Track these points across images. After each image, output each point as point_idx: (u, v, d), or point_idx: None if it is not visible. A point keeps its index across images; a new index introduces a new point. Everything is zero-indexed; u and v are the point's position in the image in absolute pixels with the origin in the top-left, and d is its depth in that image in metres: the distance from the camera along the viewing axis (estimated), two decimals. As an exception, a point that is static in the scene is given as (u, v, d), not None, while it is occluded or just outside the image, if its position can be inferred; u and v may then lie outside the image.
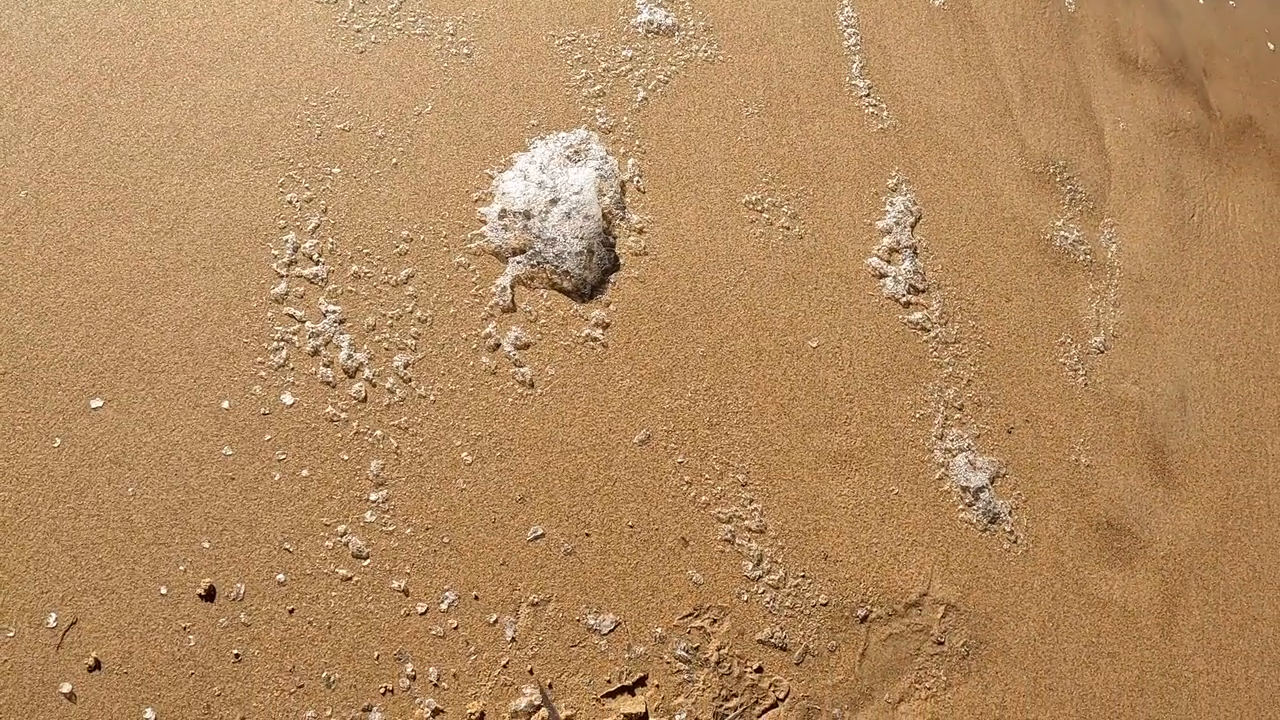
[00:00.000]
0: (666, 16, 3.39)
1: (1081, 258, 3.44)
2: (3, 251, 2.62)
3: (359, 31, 3.12)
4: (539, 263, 2.76)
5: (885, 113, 3.46)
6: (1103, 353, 3.25)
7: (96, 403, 2.48)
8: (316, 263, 2.72)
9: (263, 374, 2.55)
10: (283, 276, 2.68)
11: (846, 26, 3.63)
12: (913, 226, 3.24)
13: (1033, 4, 4.06)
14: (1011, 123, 3.66)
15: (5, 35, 2.97)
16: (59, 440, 2.41)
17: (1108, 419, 3.14)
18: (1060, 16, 4.10)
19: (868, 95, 3.48)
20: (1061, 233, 3.49)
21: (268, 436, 2.49)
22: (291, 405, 2.53)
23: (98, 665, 2.20)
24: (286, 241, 2.73)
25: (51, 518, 2.32)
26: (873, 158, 3.34)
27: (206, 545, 2.35)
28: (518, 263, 2.77)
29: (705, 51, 3.40)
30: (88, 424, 2.44)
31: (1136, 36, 4.13)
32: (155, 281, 2.63)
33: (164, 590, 2.29)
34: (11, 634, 2.18)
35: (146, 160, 2.80)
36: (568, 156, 2.93)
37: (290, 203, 2.79)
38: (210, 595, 2.33)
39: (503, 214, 2.78)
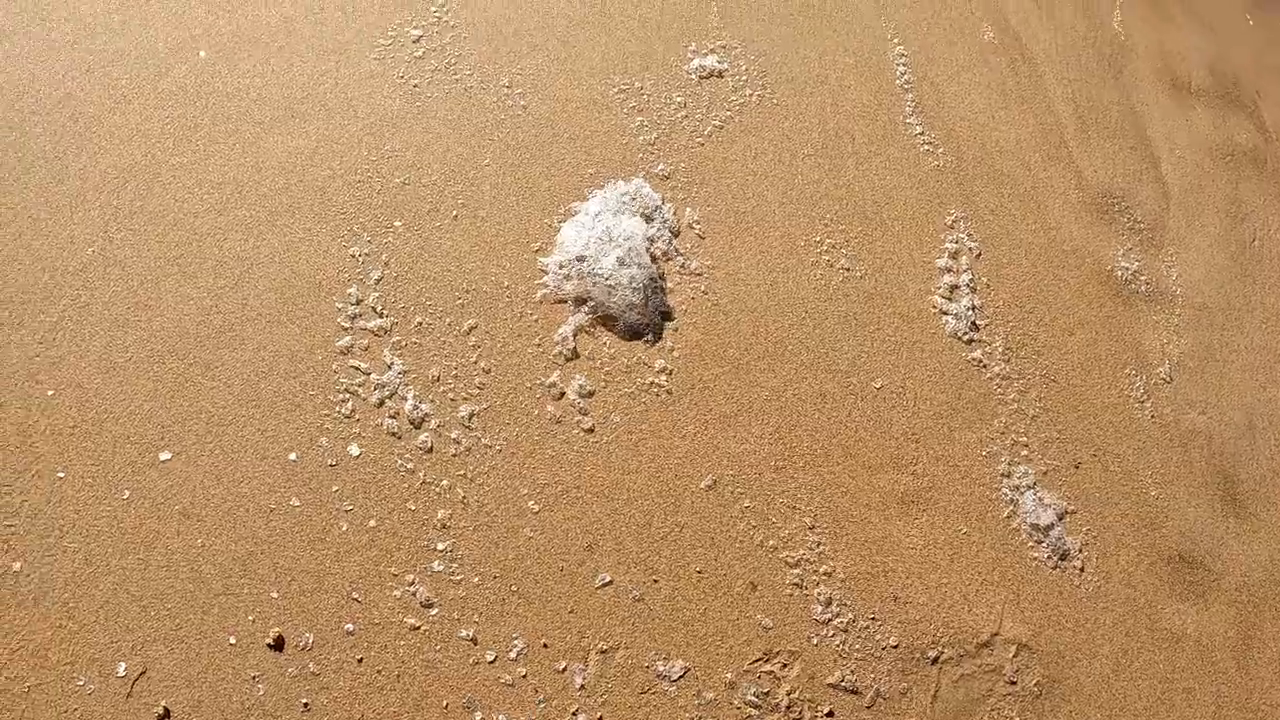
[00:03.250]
0: (719, 62, 3.59)
1: (1143, 288, 3.56)
2: (70, 307, 2.81)
3: (416, 87, 3.34)
4: (601, 311, 2.92)
5: (940, 150, 3.62)
6: (1168, 383, 3.36)
7: (165, 455, 2.65)
8: (380, 315, 2.90)
9: (329, 426, 2.72)
10: (347, 329, 2.86)
11: (898, 64, 3.81)
12: (972, 263, 3.38)
13: (1082, 33, 4.23)
14: (1067, 154, 3.81)
15: (69, 97, 3.21)
16: (128, 493, 2.57)
17: (1176, 450, 3.24)
18: (1111, 44, 4.26)
19: (922, 133, 3.64)
20: (1122, 263, 3.61)
21: (335, 488, 2.64)
22: (358, 456, 2.70)
23: (167, 714, 2.34)
24: (350, 295, 2.92)
25: (121, 569, 2.47)
26: (930, 196, 3.49)
27: (275, 595, 2.50)
28: (580, 311, 2.93)
29: (759, 95, 3.58)
30: (156, 476, 2.60)
31: (1188, 61, 4.28)
32: (221, 336, 2.81)
33: (233, 640, 2.43)
34: (81, 683, 2.33)
35: (210, 217, 3.00)
36: (625, 205, 3.10)
37: (353, 256, 2.98)
38: (279, 645, 2.46)
39: (563, 264, 2.96)
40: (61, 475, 2.54)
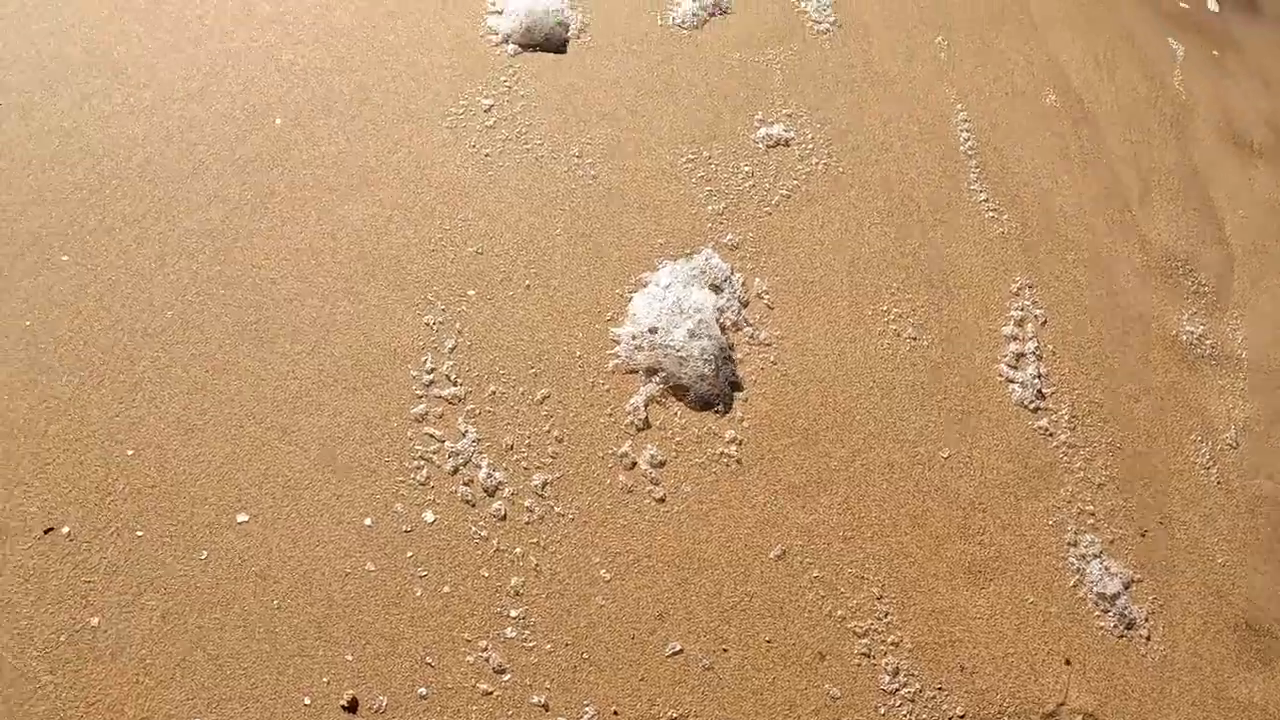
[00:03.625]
0: (785, 130, 3.77)
1: (1208, 352, 3.68)
2: (151, 369, 3.00)
3: (488, 156, 3.54)
4: (672, 381, 3.08)
5: (1005, 216, 3.77)
6: (1235, 448, 3.46)
7: (242, 517, 2.81)
8: (455, 383, 3.07)
9: (404, 492, 2.88)
10: (422, 397, 3.03)
11: (961, 130, 3.98)
12: (1038, 331, 3.52)
13: (1143, 93, 4.38)
14: (1131, 218, 3.94)
15: (149, 162, 3.43)
16: (205, 553, 2.73)
17: (1243, 516, 3.33)
18: (1172, 104, 4.41)
19: (986, 199, 3.80)
20: (1187, 327, 3.73)
21: (410, 553, 2.80)
22: (433, 523, 2.85)
23: (244, 774, 2.48)
24: (425, 362, 3.09)
25: (198, 627, 2.61)
26: (995, 263, 3.63)
27: (350, 658, 2.64)
28: (651, 382, 3.09)
29: (824, 163, 3.75)
30: (233, 538, 2.76)
31: (1248, 118, 4.42)
32: (298, 401, 2.99)
33: (308, 701, 2.57)
34: (158, 742, 2.49)
35: (287, 283, 3.20)
36: (695, 276, 3.27)
37: (428, 325, 3.16)
38: (353, 707, 2.60)
39: (635, 335, 3.12)
40: (140, 534, 2.70)
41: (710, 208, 3.45)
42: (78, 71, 3.80)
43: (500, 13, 3.82)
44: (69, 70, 3.79)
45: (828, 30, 4.21)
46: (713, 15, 4.07)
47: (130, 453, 2.81)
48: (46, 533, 2.71)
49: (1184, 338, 3.62)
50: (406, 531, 2.74)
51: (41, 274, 3.15)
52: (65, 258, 3.19)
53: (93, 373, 2.95)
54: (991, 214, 3.71)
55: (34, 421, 2.86)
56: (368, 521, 2.74)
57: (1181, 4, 5.12)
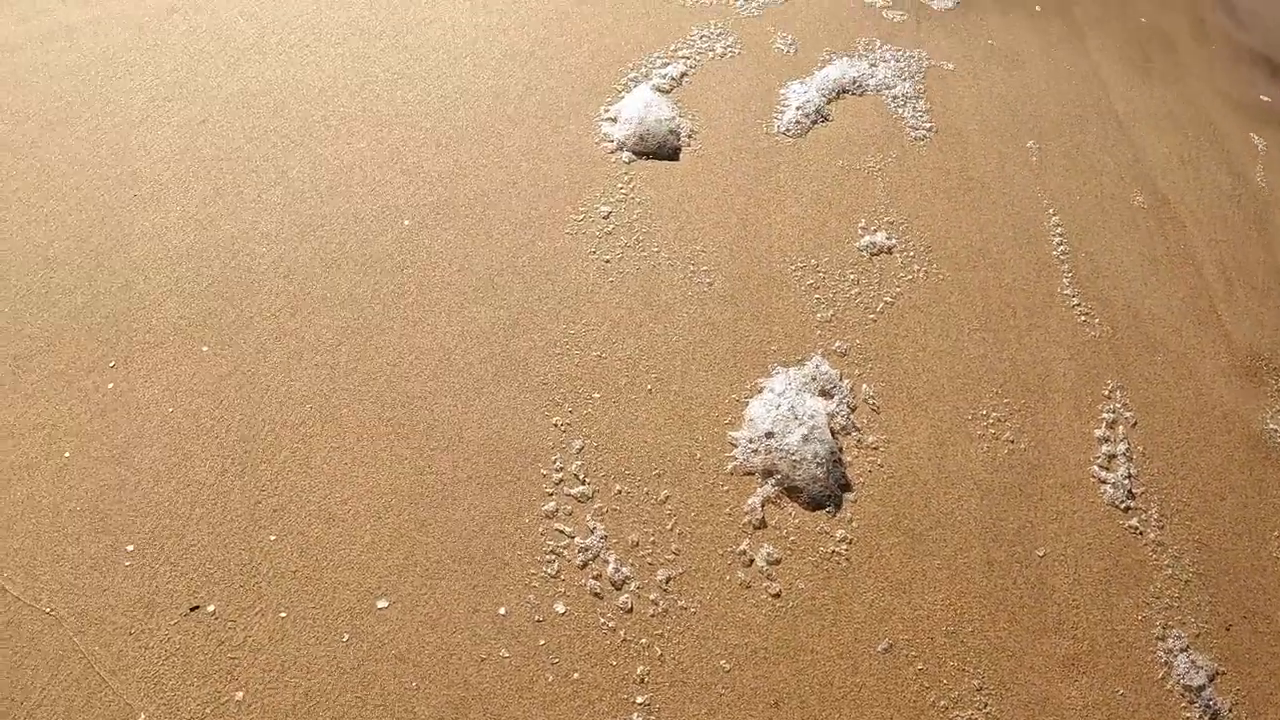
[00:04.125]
0: (887, 238, 4.18)
1: (1292, 449, 4.01)
2: (291, 459, 3.42)
3: (608, 262, 3.97)
4: (786, 483, 3.47)
5: (1097, 320, 4.14)
6: (1316, 545, 3.78)
7: (382, 603, 3.20)
8: (583, 482, 3.47)
9: (536, 584, 3.27)
10: (552, 495, 3.43)
11: (1054, 235, 4.37)
12: (1129, 432, 3.87)
13: (1227, 190, 4.75)
14: (1216, 318, 4.30)
15: (282, 258, 3.89)
16: (347, 635, 3.12)
17: (1324, 612, 3.65)
18: (1255, 199, 4.77)
19: (1079, 304, 4.17)
20: (1270, 425, 4.05)
21: (542, 641, 3.18)
22: (563, 613, 3.24)
23: None
24: (554, 461, 3.49)
25: (338, 705, 2.96)
26: (1087, 367, 4.00)
27: (484, 741, 3.01)
28: (767, 483, 3.47)
29: (925, 270, 4.15)
30: (374, 622, 3.15)
31: (1331, 211, 4.78)
32: (435, 495, 3.40)
33: (445, 780, 2.94)
34: (305, 817, 2.84)
35: (421, 381, 3.63)
36: (807, 382, 3.68)
37: (555, 425, 3.57)
38: (488, 787, 2.97)
39: (752, 439, 3.52)
40: (284, 615, 3.06)
41: (819, 315, 3.85)
42: (209, 166, 4.27)
43: (615, 120, 4.27)
44: (201, 165, 4.27)
45: (924, 137, 4.64)
46: (815, 123, 4.51)
47: (273, 538, 3.18)
48: (192, 610, 3.08)
49: (1269, 436, 3.95)
50: (538, 621, 3.11)
51: (183, 363, 3.58)
52: (205, 348, 3.62)
53: (235, 460, 3.33)
54: (1083, 318, 4.08)
55: (178, 504, 3.25)
56: (502, 610, 3.12)
57: (1262, 98, 5.51)
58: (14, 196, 4.41)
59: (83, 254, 4.05)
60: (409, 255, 3.74)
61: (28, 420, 3.50)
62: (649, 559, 3.17)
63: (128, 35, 5.36)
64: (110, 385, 3.57)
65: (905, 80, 4.80)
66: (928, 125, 4.54)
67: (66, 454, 3.34)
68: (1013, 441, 3.61)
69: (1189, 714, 3.18)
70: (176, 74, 4.99)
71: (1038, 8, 5.63)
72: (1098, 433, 3.69)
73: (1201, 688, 3.20)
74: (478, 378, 3.44)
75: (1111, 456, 3.62)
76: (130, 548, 3.14)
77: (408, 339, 3.53)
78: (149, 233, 4.08)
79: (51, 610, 3.02)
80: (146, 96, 4.88)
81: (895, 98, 4.68)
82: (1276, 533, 3.60)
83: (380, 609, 3.09)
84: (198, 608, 3.07)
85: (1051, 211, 4.30)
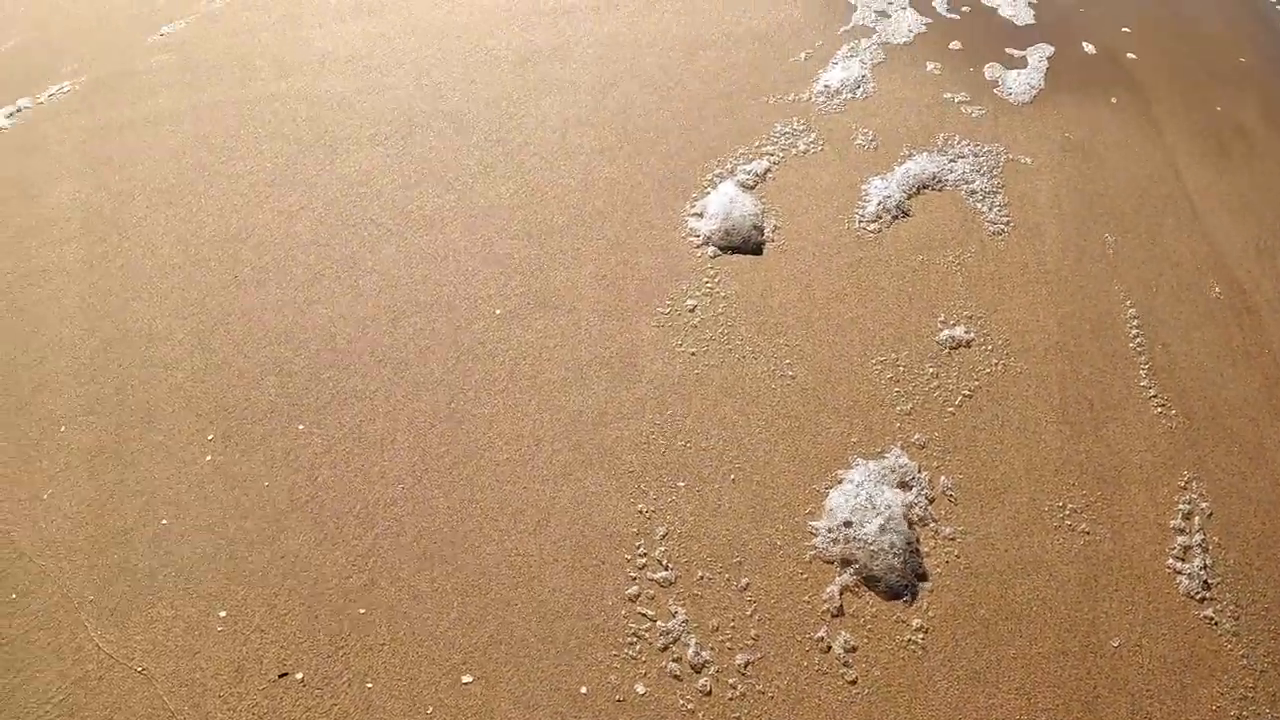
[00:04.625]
0: (966, 332, 4.46)
1: (1369, 546, 4.14)
2: (383, 536, 3.73)
3: (693, 354, 4.30)
4: (864, 572, 3.72)
5: (1173, 411, 4.35)
6: (1391, 642, 3.88)
7: (467, 679, 3.44)
8: (665, 568, 3.75)
9: (617, 665, 3.52)
10: (635, 579, 3.70)
11: (1130, 326, 4.62)
12: (1204, 523, 4.06)
13: (1303, 278, 4.96)
14: (1293, 411, 4.48)
15: (377, 343, 4.26)
16: (431, 708, 3.34)
17: (1393, 702, 3.74)
18: (1333, 289, 4.97)
19: (1155, 395, 4.39)
20: (1349, 521, 4.21)
21: (621, 721, 3.43)
22: (643, 695, 3.48)
23: None
24: (638, 547, 3.77)
25: (423, 777, 3.22)
26: (1163, 458, 4.20)
27: (565, 818, 3.22)
28: (845, 572, 3.73)
29: (1003, 364, 4.41)
30: (458, 696, 3.37)
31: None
32: (520, 575, 3.69)
33: None
34: None
35: (510, 465, 3.95)
36: (886, 474, 3.96)
37: (640, 512, 3.86)
38: None
39: (831, 529, 3.79)
40: (370, 685, 3.29)
41: (899, 408, 4.12)
42: (308, 251, 4.67)
43: (701, 216, 4.63)
44: (300, 249, 4.68)
45: (1002, 231, 4.94)
46: (896, 218, 4.83)
47: (362, 610, 3.43)
48: (281, 677, 3.30)
49: (1348, 535, 4.10)
50: (619, 701, 3.36)
51: (279, 440, 3.93)
52: (301, 426, 3.98)
53: (327, 535, 3.63)
54: (1159, 409, 4.30)
55: (270, 574, 3.51)
56: (583, 690, 3.36)
57: (1342, 190, 5.75)
58: (119, 273, 4.86)
59: (185, 331, 4.45)
60: (500, 344, 4.08)
61: (128, 486, 3.81)
62: (728, 643, 3.42)
63: (231, 122, 5.89)
64: (208, 458, 3.87)
65: (983, 175, 5.08)
66: (1005, 219, 4.81)
67: (164, 521, 3.66)
68: (1088, 532, 3.82)
69: (1262, 804, 3.32)
70: (277, 161, 5.47)
71: (1113, 99, 5.94)
72: (1173, 523, 3.88)
73: (1275, 778, 3.34)
74: (565, 464, 3.75)
75: (1187, 548, 3.81)
76: (223, 613, 3.41)
77: (498, 424, 3.85)
78: (249, 313, 4.48)
79: (143, 669, 3.29)
80: (248, 182, 5.36)
81: (974, 192, 4.95)
82: (1358, 631, 3.75)
83: (465, 684, 3.30)
84: (286, 674, 3.29)
85: (1128, 304, 4.55)
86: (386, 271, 4.42)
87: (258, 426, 3.98)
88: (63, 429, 4.06)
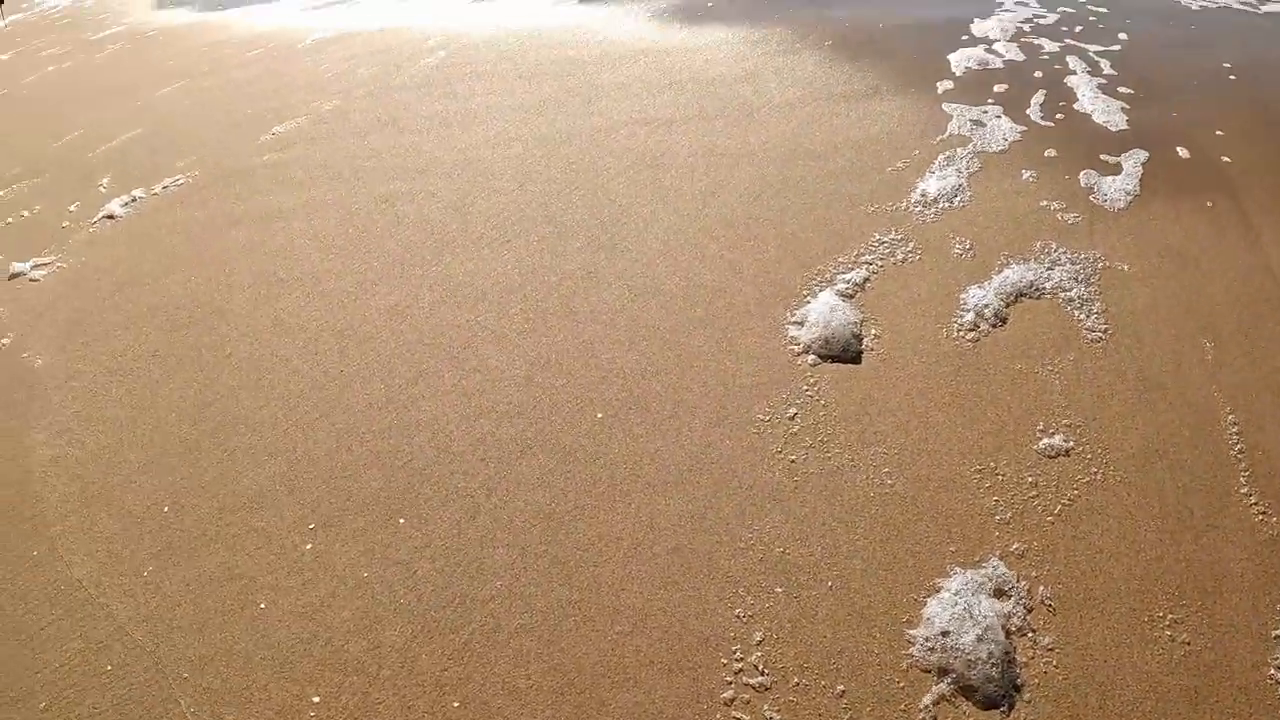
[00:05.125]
0: (1065, 440, 4.63)
1: None
2: (479, 633, 3.94)
3: (793, 462, 4.52)
4: (961, 682, 3.83)
5: (1274, 519, 4.42)
6: None
7: (559, 781, 3.65)
8: (761, 673, 3.92)
9: None
10: (730, 683, 3.88)
11: (1231, 433, 4.74)
12: None
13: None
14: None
15: (481, 441, 4.55)
16: (518, 811, 3.57)
17: None
18: None
19: (1256, 502, 4.51)
20: None
21: (716, 830, 3.57)
22: None
23: None
24: (734, 651, 3.96)
25: None
26: (1266, 566, 4.26)
27: None
28: (942, 682, 3.86)
29: (1102, 472, 4.54)
30: (547, 799, 3.59)
31: None
32: (615, 676, 3.88)
33: None
34: None
35: (609, 567, 4.18)
36: (983, 582, 4.12)
37: (738, 616, 4.06)
38: None
39: (928, 638, 3.95)
40: (462, 783, 3.55)
41: (997, 517, 4.28)
42: (414, 349, 4.99)
43: (801, 324, 4.89)
44: (406, 347, 5.00)
45: (1100, 339, 5.10)
46: (993, 326, 5.03)
47: (456, 704, 3.58)
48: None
49: None
50: (712, 809, 3.52)
51: (379, 532, 4.21)
52: (402, 520, 4.25)
53: (424, 627, 3.85)
54: (1260, 516, 4.38)
55: (366, 664, 3.69)
56: (678, 795, 3.54)
57: None
58: (227, 362, 5.25)
59: (290, 421, 4.80)
60: (601, 446, 4.35)
61: (228, 570, 4.07)
62: (825, 756, 3.57)
63: (338, 220, 6.35)
64: (309, 546, 4.13)
65: (1080, 282, 5.24)
66: (1103, 327, 4.97)
67: (262, 605, 3.91)
68: (1188, 643, 3.91)
69: None
70: (384, 259, 5.89)
71: (1209, 203, 6.11)
72: (1275, 633, 3.97)
73: None
74: (664, 568, 3.97)
75: (1290, 657, 3.88)
76: (316, 699, 3.60)
77: (597, 526, 4.09)
78: (354, 408, 4.82)
79: (238, 752, 3.41)
80: (355, 280, 5.78)
81: (1071, 300, 5.11)
82: None
83: (557, 785, 3.36)
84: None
85: (1228, 410, 4.66)
86: (489, 371, 4.71)
87: (358, 518, 4.18)
88: (166, 509, 4.35)
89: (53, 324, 6.23)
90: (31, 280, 6.85)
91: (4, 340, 6.15)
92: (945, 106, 6.58)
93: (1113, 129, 6.47)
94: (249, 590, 3.98)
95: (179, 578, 4.08)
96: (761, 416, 4.33)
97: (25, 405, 5.43)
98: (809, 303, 4.90)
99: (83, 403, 5.35)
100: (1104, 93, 6.71)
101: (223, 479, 4.51)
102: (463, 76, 8.27)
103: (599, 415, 4.37)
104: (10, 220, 8.11)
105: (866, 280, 5.11)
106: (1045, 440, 4.27)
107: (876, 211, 5.59)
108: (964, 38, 7.50)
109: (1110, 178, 5.91)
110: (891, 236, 5.44)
